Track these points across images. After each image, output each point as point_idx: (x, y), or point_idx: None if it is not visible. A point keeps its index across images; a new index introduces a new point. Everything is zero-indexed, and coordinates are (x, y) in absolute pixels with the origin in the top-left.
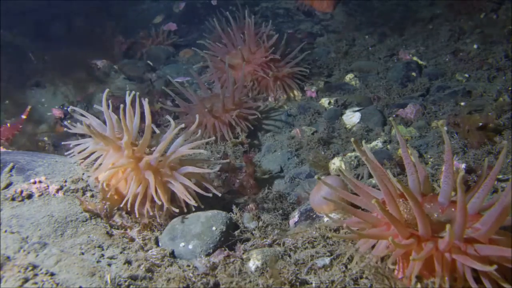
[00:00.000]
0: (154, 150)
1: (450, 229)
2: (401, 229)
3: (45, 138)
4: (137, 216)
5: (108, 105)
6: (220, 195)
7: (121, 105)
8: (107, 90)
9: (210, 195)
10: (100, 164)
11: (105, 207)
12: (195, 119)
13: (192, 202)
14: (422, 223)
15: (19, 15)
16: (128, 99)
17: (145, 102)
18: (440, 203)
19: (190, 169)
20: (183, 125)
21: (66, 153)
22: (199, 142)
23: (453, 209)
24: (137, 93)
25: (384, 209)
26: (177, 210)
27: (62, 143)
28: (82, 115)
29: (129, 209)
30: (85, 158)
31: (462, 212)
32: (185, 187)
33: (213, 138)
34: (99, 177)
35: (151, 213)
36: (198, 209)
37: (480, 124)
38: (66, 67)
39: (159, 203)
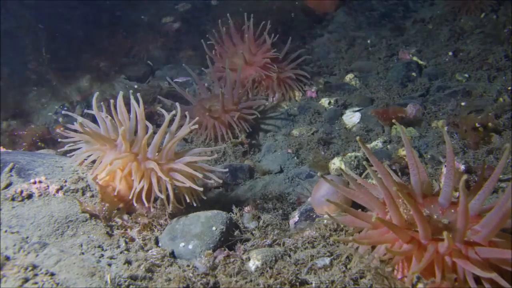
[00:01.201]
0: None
1: (447, 236)
2: (401, 235)
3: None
4: (146, 205)
5: (102, 107)
6: (220, 182)
7: (111, 100)
8: (96, 93)
9: (212, 181)
10: (99, 164)
11: (104, 208)
12: (195, 120)
13: (197, 187)
14: (422, 228)
15: (19, 15)
16: (119, 96)
17: (135, 100)
18: (440, 204)
19: (188, 158)
20: (173, 112)
21: (67, 161)
22: (186, 130)
23: (453, 211)
24: (138, 94)
25: (384, 220)
26: (184, 204)
27: (59, 150)
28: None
29: (135, 203)
30: (83, 161)
31: (464, 216)
32: (186, 176)
33: (196, 122)
34: (98, 177)
35: (162, 196)
36: (198, 209)
37: (477, 124)
38: (67, 68)
39: (165, 179)
